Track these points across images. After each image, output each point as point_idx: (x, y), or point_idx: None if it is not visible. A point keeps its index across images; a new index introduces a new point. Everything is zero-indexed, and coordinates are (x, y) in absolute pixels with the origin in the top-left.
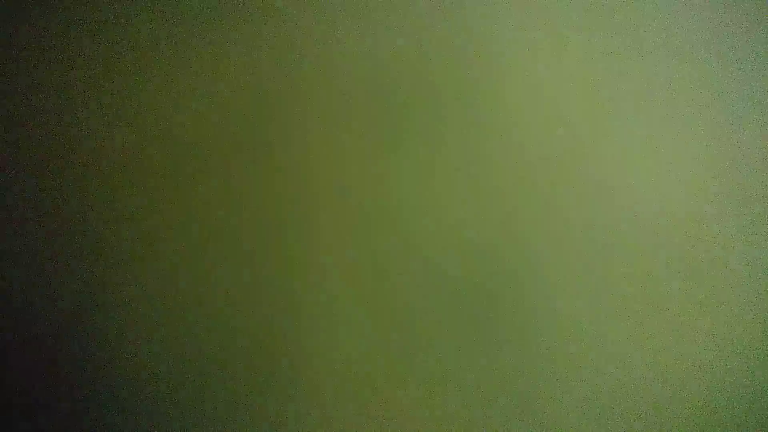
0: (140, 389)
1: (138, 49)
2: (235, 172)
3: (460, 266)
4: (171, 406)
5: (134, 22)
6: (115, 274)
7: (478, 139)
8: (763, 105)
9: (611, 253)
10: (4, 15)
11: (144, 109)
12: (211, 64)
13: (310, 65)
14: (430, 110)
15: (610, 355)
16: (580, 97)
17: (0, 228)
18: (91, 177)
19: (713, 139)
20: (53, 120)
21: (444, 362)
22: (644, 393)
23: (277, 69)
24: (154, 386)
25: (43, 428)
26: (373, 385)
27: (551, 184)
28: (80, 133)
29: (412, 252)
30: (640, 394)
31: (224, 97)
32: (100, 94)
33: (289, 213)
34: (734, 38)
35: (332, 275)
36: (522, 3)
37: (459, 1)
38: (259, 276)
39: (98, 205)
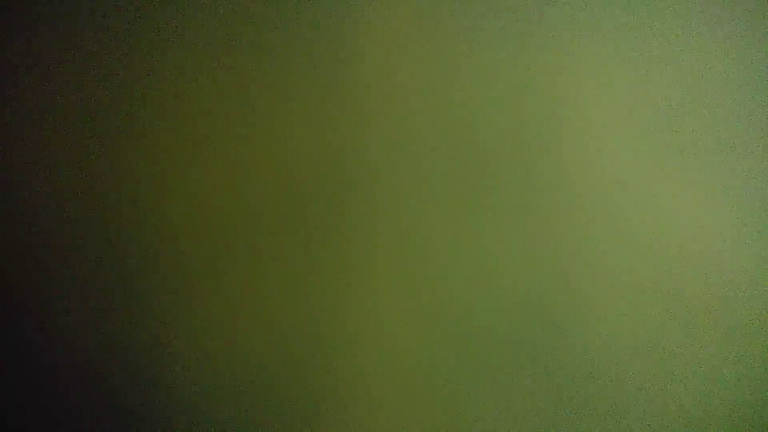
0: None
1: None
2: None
3: (510, 321)
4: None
5: None
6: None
7: (527, 191)
8: None
9: (665, 307)
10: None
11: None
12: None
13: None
14: (479, 166)
15: (670, 415)
16: (633, 151)
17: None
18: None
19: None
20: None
21: (492, 421)
22: None
23: (349, 117)
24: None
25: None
26: None
27: (601, 236)
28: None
29: (460, 306)
30: None
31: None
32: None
33: (337, 253)
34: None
35: (383, 329)
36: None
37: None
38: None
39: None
